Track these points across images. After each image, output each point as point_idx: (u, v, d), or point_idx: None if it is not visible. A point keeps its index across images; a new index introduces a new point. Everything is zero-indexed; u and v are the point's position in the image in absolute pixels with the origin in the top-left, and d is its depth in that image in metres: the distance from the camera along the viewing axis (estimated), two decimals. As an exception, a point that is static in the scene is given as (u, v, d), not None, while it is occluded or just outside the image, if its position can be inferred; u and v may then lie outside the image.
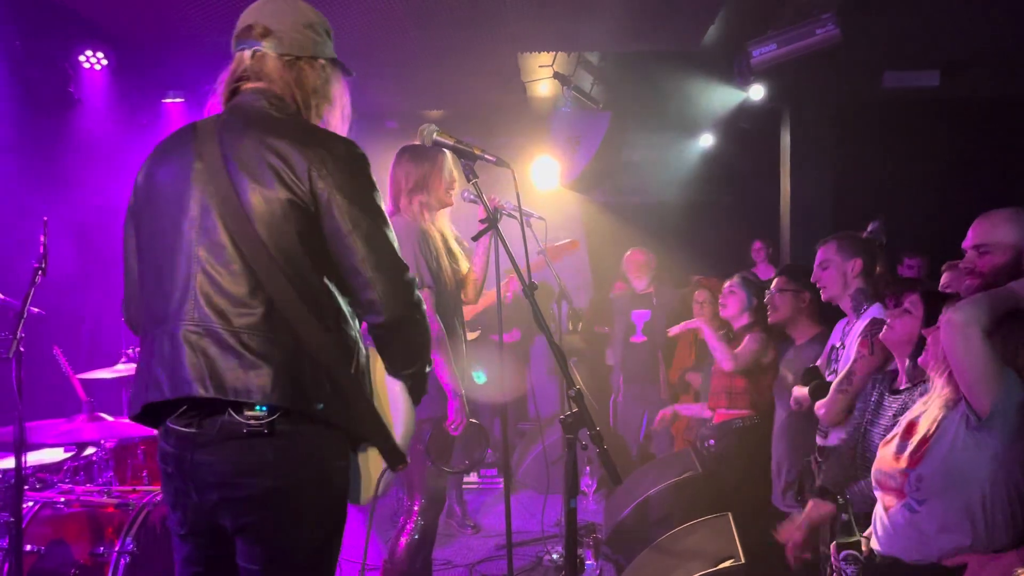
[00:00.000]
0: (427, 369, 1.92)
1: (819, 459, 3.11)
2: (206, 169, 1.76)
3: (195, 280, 1.72)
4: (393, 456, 1.85)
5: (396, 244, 1.80)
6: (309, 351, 1.72)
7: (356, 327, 1.84)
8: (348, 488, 1.85)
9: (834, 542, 2.42)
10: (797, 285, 3.53)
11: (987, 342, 1.98)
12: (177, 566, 1.89)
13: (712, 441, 4.13)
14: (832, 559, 2.40)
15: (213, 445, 1.71)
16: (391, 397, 1.88)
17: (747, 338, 3.96)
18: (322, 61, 1.93)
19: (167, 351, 1.72)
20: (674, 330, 4.47)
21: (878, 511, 2.29)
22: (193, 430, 1.72)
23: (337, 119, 1.98)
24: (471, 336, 5.17)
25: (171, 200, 1.78)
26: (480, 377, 3.69)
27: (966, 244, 2.46)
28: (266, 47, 1.86)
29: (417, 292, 1.82)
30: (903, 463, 2.18)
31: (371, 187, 1.80)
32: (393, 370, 1.88)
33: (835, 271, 3.10)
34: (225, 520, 1.76)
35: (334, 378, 1.75)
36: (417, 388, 1.92)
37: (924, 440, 2.15)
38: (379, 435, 1.82)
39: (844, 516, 2.39)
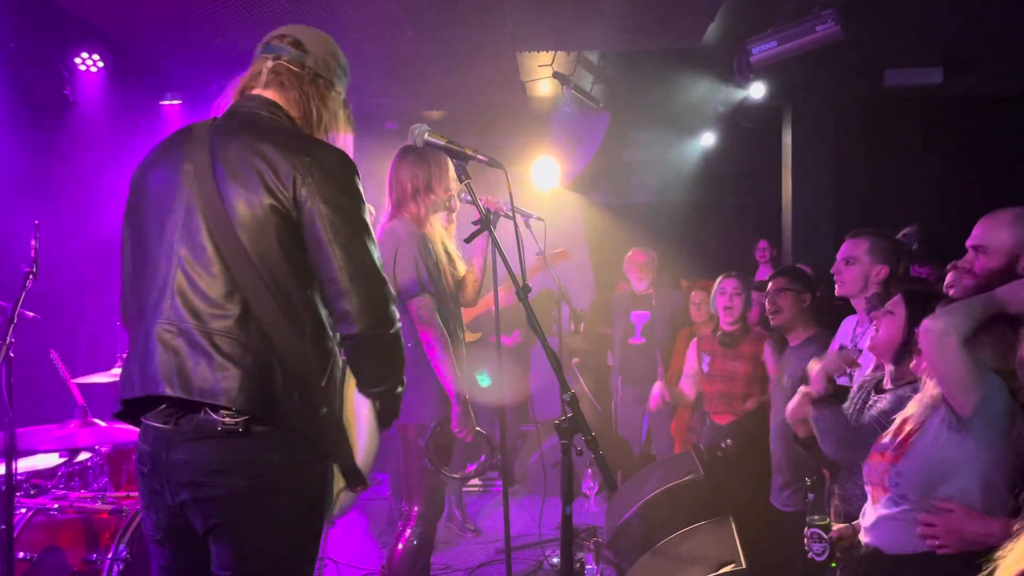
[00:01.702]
0: (398, 390, 1.89)
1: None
2: (195, 171, 1.77)
3: (173, 279, 1.74)
4: (352, 476, 1.84)
5: (377, 257, 1.79)
6: (281, 358, 1.71)
7: (334, 339, 1.83)
8: (325, 497, 1.83)
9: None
10: (798, 285, 3.49)
11: (964, 350, 1.98)
12: (153, 575, 1.87)
13: (729, 441, 4.10)
14: (805, 538, 2.41)
15: (188, 443, 1.71)
16: (358, 417, 1.86)
17: (767, 352, 3.93)
18: (336, 91, 1.97)
19: (141, 348, 1.75)
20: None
21: (866, 505, 2.31)
22: (169, 427, 1.72)
23: (340, 145, 1.98)
24: (471, 338, 5.15)
25: (160, 200, 1.80)
26: (484, 380, 3.67)
27: (969, 242, 2.43)
28: (292, 56, 1.89)
29: (393, 308, 1.80)
30: (886, 457, 2.20)
31: (357, 198, 1.79)
32: (362, 386, 1.86)
33: (860, 271, 3.00)
34: (197, 521, 1.75)
35: (304, 388, 1.74)
36: (386, 410, 1.90)
37: (907, 436, 2.16)
38: (341, 453, 1.81)
39: (811, 496, 2.39)
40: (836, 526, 2.42)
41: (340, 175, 1.77)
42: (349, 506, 1.92)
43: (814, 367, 2.85)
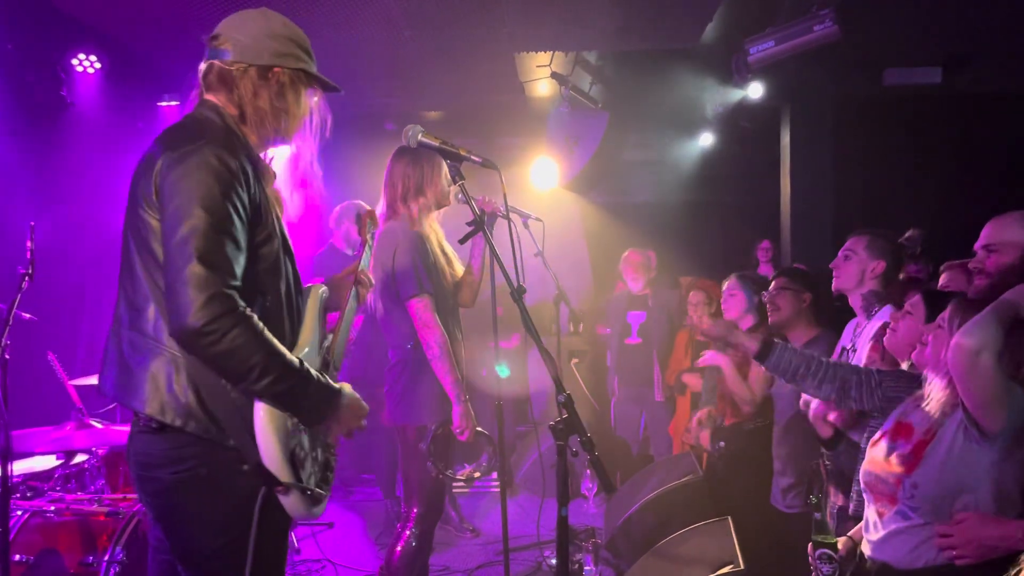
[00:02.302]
0: (273, 387, 1.74)
1: (827, 463, 3.06)
2: (133, 180, 1.86)
3: (120, 284, 1.87)
4: (259, 474, 1.79)
5: (211, 259, 1.68)
6: (181, 360, 1.77)
7: None
8: (257, 494, 1.81)
9: (810, 541, 2.39)
10: (798, 285, 3.48)
11: (998, 367, 1.93)
12: (150, 554, 1.99)
13: (722, 443, 4.09)
14: (809, 558, 2.37)
15: (135, 437, 1.87)
16: (254, 414, 1.79)
17: (754, 366, 3.89)
18: (278, 70, 1.94)
19: (105, 346, 1.89)
20: (701, 361, 4.34)
21: (870, 515, 2.26)
22: (133, 421, 1.88)
23: (295, 129, 2.01)
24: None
25: (127, 207, 1.89)
26: (504, 371, 3.64)
27: (978, 244, 2.42)
28: (220, 57, 1.92)
29: (220, 310, 1.66)
30: (896, 467, 2.14)
31: (203, 194, 1.71)
32: (229, 383, 1.79)
33: (856, 265, 3.02)
34: (148, 510, 1.91)
35: (201, 387, 1.77)
36: (279, 405, 1.79)
37: (920, 445, 2.11)
38: (247, 451, 1.79)
39: (817, 515, 2.36)
40: (840, 542, 2.38)
41: (196, 173, 1.73)
42: (298, 509, 1.85)
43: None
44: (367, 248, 2.38)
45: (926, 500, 2.07)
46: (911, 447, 2.13)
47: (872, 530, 2.23)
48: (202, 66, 1.94)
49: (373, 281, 2.39)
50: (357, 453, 5.86)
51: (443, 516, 5.02)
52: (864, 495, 2.30)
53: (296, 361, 1.80)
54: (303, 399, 1.82)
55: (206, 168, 1.73)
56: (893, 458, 2.16)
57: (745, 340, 2.69)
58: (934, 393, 2.16)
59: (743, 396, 3.87)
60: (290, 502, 1.85)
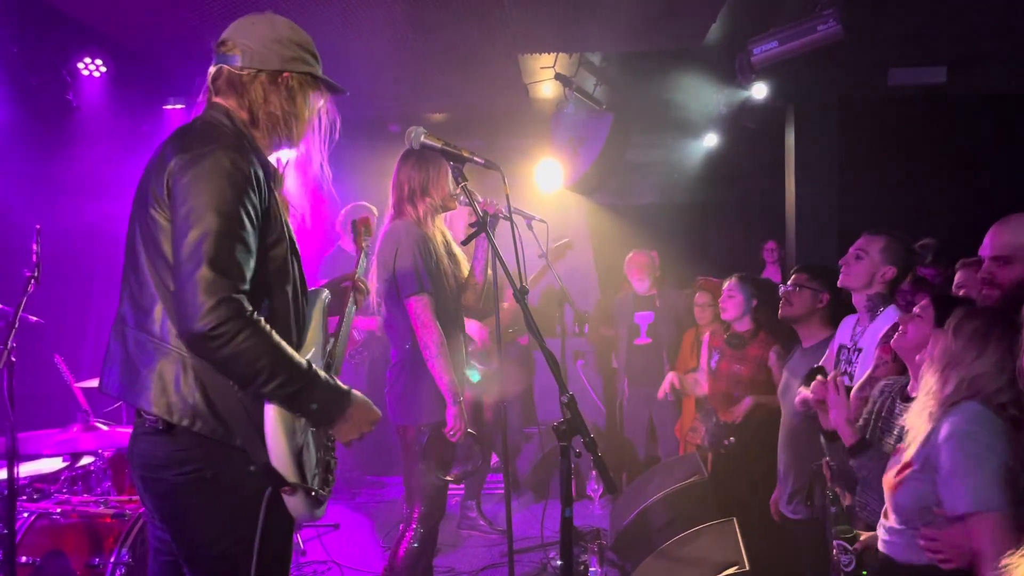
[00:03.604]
0: (282, 389, 1.76)
1: (831, 464, 3.05)
2: (142, 179, 1.88)
3: (124, 284, 1.88)
4: (267, 475, 1.80)
5: (222, 263, 1.69)
6: (188, 360, 1.77)
7: None
8: (262, 495, 1.81)
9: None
10: (817, 284, 3.43)
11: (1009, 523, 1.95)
12: (150, 555, 1.99)
13: (732, 439, 4.08)
14: (832, 548, 2.43)
15: (139, 438, 1.86)
16: (264, 414, 1.80)
17: (775, 370, 3.90)
18: (287, 75, 1.95)
19: (107, 346, 1.89)
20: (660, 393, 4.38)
21: (884, 510, 2.30)
22: (136, 422, 1.88)
23: (304, 132, 2.02)
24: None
25: (133, 205, 1.91)
26: (474, 375, 3.66)
27: (984, 252, 2.38)
28: (230, 62, 1.93)
29: (228, 313, 1.67)
30: (890, 483, 2.21)
31: (215, 197, 1.72)
32: (238, 386, 1.80)
33: (867, 267, 2.99)
34: (151, 511, 1.90)
35: (209, 387, 1.78)
36: (289, 406, 1.81)
37: (905, 466, 2.16)
38: (254, 450, 1.80)
39: (833, 509, 2.40)
40: (862, 535, 2.41)
41: (210, 175, 1.73)
42: (302, 510, 1.87)
43: (804, 392, 2.87)
44: (363, 255, 2.41)
45: (910, 516, 2.14)
46: (900, 466, 2.18)
47: (882, 524, 2.29)
48: (211, 70, 1.96)
49: (370, 288, 2.41)
50: (361, 455, 5.87)
51: (471, 522, 5.06)
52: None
53: (304, 363, 1.81)
54: (312, 401, 1.83)
55: (220, 171, 1.74)
56: (891, 474, 2.22)
57: (847, 428, 2.58)
58: (927, 391, 2.18)
59: (769, 401, 3.84)
60: (295, 503, 1.86)
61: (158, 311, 1.78)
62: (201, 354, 1.73)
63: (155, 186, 1.79)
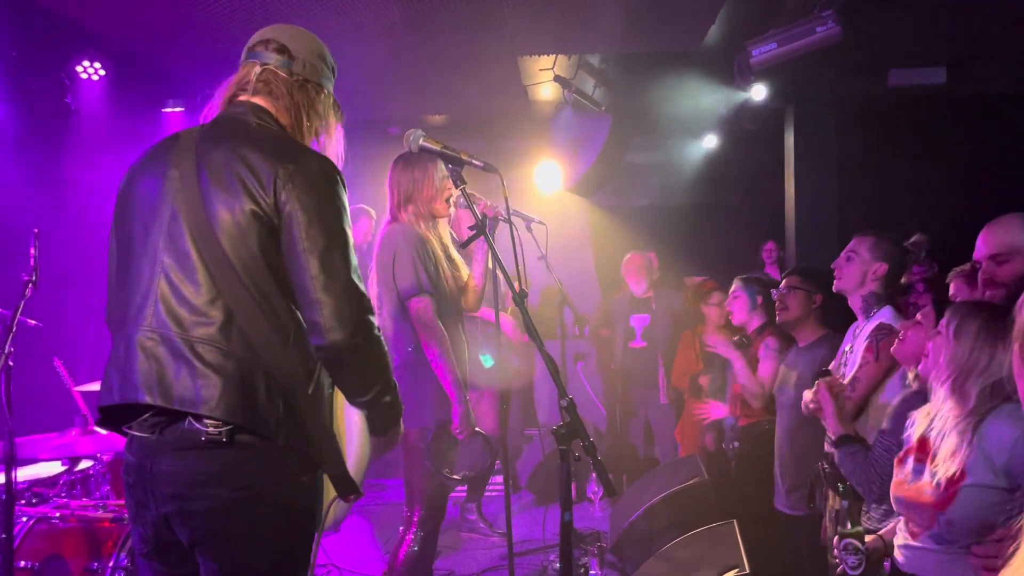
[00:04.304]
0: (386, 399, 1.85)
1: (827, 466, 3.04)
2: (180, 178, 1.76)
3: (157, 286, 1.73)
4: (343, 485, 1.81)
5: (354, 269, 1.76)
6: (265, 366, 1.70)
7: None
8: (315, 507, 1.81)
9: (836, 533, 2.36)
10: (809, 285, 3.46)
11: None
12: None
13: (736, 443, 4.08)
14: (835, 550, 2.33)
15: (172, 454, 1.69)
16: (347, 424, 1.83)
17: (762, 361, 3.88)
18: (325, 93, 1.97)
19: (122, 354, 1.73)
20: (711, 346, 4.25)
21: (901, 527, 2.22)
22: (154, 437, 1.70)
23: (332, 149, 2.00)
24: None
25: (145, 207, 1.79)
26: (488, 360, 3.65)
27: (978, 255, 2.38)
28: (278, 63, 1.89)
29: (370, 319, 1.75)
30: (929, 499, 2.07)
31: (338, 207, 1.76)
32: (347, 396, 1.84)
33: (858, 267, 2.99)
34: (182, 534, 1.72)
35: (289, 396, 1.72)
36: (378, 418, 1.87)
37: (952, 482, 2.03)
38: (331, 461, 1.78)
39: (844, 503, 2.32)
40: (868, 538, 2.33)
41: (322, 183, 1.75)
42: (342, 516, 1.91)
43: (807, 397, 2.86)
44: None
45: (963, 534, 2.02)
46: (945, 481, 2.04)
47: (904, 542, 2.19)
48: (255, 67, 1.89)
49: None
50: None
51: (470, 525, 5.06)
52: (896, 508, 2.24)
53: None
54: (395, 413, 1.90)
55: (336, 182, 1.78)
56: (925, 489, 2.09)
57: (833, 420, 2.62)
58: (941, 403, 2.11)
59: (754, 390, 3.85)
60: (344, 510, 1.90)
61: (225, 315, 1.68)
62: (344, 363, 1.75)
63: (248, 185, 1.70)
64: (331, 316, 1.69)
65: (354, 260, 1.77)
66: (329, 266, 1.70)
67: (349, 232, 1.77)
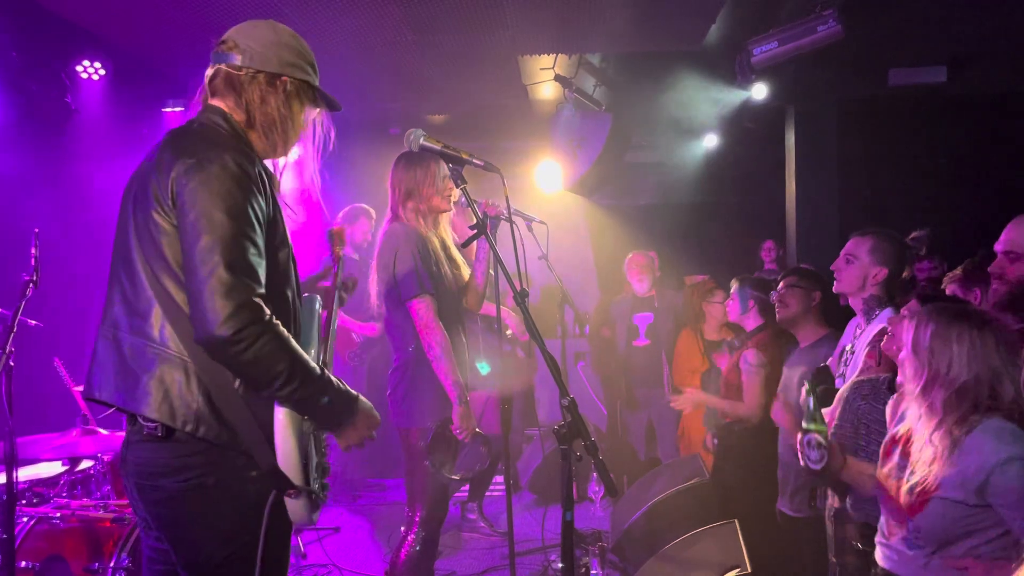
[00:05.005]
0: (293, 391, 1.75)
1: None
2: (135, 182, 1.86)
3: (114, 287, 1.85)
4: (274, 478, 1.79)
5: (238, 267, 1.69)
6: (186, 364, 1.76)
7: None
8: (266, 500, 1.80)
9: (800, 430, 2.31)
10: (808, 282, 3.45)
11: None
12: (144, 565, 1.97)
13: (715, 440, 4.09)
14: (797, 446, 2.30)
15: (134, 445, 1.83)
16: (275, 417, 1.80)
17: (745, 382, 3.87)
18: (286, 79, 1.95)
19: (94, 351, 1.86)
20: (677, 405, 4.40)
21: (883, 524, 2.22)
22: (128, 429, 1.86)
23: (295, 140, 2.01)
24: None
25: (121, 211, 1.90)
26: (484, 368, 3.65)
27: (998, 246, 2.36)
28: (229, 61, 1.91)
29: (251, 310, 1.68)
30: (904, 499, 2.09)
31: (226, 199, 1.71)
32: (254, 391, 1.78)
33: (858, 270, 2.95)
34: (149, 520, 1.87)
35: (214, 391, 1.76)
36: (305, 413, 1.82)
37: (925, 492, 2.03)
38: (259, 454, 1.79)
39: (810, 400, 2.26)
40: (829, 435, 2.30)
41: (218, 178, 1.72)
42: (302, 514, 1.87)
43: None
44: (340, 265, 2.39)
45: (929, 541, 2.03)
46: (918, 489, 2.05)
47: (883, 539, 2.20)
48: (208, 71, 1.94)
49: (345, 299, 2.39)
50: (362, 457, 5.86)
51: (470, 525, 5.05)
52: (879, 501, 2.24)
53: (317, 368, 1.81)
54: (324, 405, 1.83)
55: (227, 174, 1.73)
56: (902, 490, 2.10)
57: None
58: (922, 425, 2.08)
59: (741, 414, 3.87)
60: (296, 506, 1.85)
61: (156, 315, 1.76)
62: (221, 359, 1.71)
63: (157, 189, 1.75)
64: (201, 311, 1.66)
65: (248, 252, 1.71)
66: (204, 259, 1.67)
67: (239, 224, 1.71)
